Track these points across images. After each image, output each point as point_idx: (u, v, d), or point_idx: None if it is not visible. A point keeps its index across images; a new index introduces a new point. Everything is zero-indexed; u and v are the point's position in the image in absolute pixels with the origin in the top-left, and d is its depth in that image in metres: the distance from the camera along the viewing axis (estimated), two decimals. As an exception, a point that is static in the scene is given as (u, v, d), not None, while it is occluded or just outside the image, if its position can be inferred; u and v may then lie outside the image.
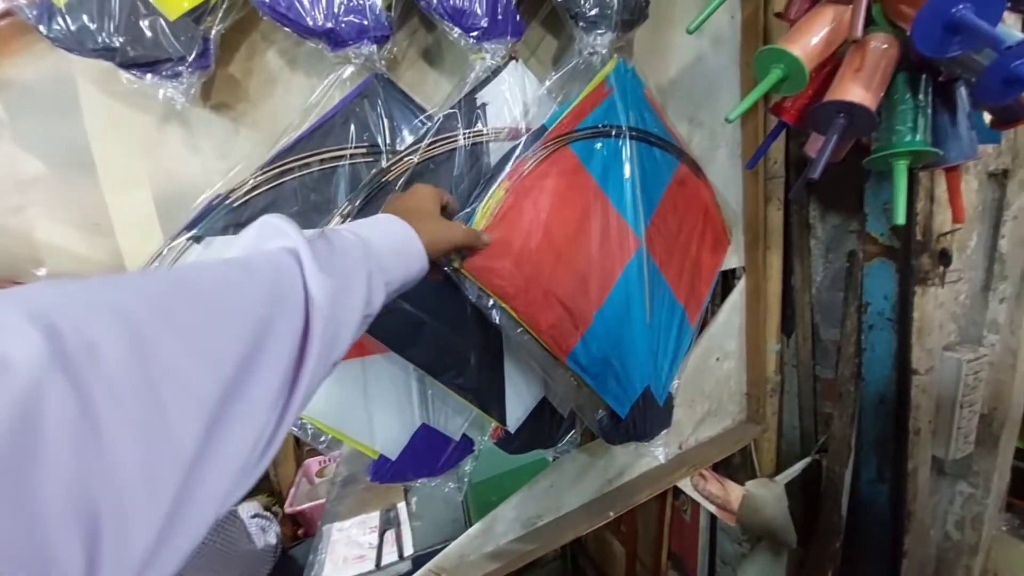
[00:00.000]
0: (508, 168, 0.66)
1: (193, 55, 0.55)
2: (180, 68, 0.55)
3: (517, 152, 0.67)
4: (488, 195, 0.64)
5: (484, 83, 0.67)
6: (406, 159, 0.62)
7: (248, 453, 0.27)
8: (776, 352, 1.15)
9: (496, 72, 0.68)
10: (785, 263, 1.14)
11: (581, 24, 0.69)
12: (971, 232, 1.01)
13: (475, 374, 0.72)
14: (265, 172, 0.59)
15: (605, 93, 0.73)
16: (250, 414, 0.27)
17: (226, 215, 0.57)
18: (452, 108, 0.65)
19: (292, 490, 1.79)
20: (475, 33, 0.64)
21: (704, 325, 1.09)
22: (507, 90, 0.68)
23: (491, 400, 0.76)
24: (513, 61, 0.69)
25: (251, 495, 1.42)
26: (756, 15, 0.95)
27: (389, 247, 0.44)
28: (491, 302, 0.64)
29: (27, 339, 0.19)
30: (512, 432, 0.80)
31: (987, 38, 0.43)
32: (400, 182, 0.62)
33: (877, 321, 1.03)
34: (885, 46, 0.53)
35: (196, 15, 0.55)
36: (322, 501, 1.50)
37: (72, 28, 0.51)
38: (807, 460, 1.18)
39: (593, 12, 0.67)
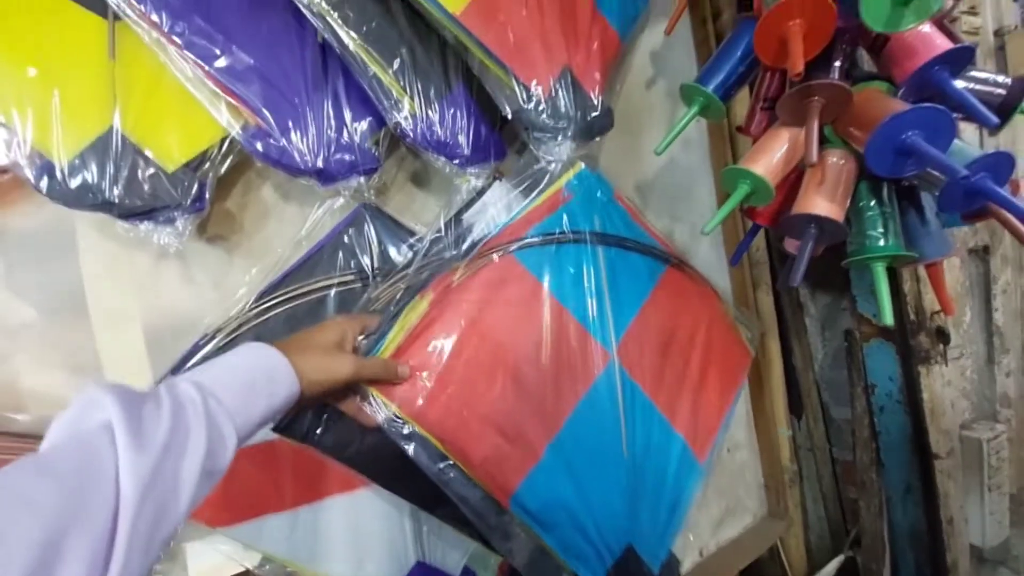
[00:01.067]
0: (431, 279, 0.62)
1: (189, 201, 0.57)
2: (175, 214, 0.57)
3: (445, 260, 0.64)
4: (407, 308, 0.59)
5: (469, 204, 0.69)
6: (396, 284, 0.63)
7: None
8: (788, 437, 1.10)
9: (480, 193, 0.70)
10: (783, 344, 1.13)
11: (535, 134, 0.68)
12: (963, 307, 1.02)
13: (474, 507, 0.62)
14: (253, 308, 0.59)
15: (563, 200, 0.70)
16: None
17: (213, 355, 0.57)
18: (438, 232, 0.67)
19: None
20: (458, 160, 0.67)
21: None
22: (492, 209, 0.70)
23: (494, 533, 0.63)
24: (497, 181, 0.72)
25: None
26: (720, 121, 1.03)
27: (239, 383, 0.43)
28: (407, 429, 0.56)
29: None
30: (519, 568, 0.66)
31: (939, 166, 0.46)
32: (391, 307, 0.62)
33: (887, 403, 1.00)
34: (842, 161, 0.56)
35: (194, 165, 0.59)
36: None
37: (71, 186, 0.54)
38: (841, 558, 1.09)
39: (547, 121, 0.66)
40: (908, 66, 0.51)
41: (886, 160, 0.49)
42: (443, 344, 0.59)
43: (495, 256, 0.65)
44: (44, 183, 0.53)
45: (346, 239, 0.65)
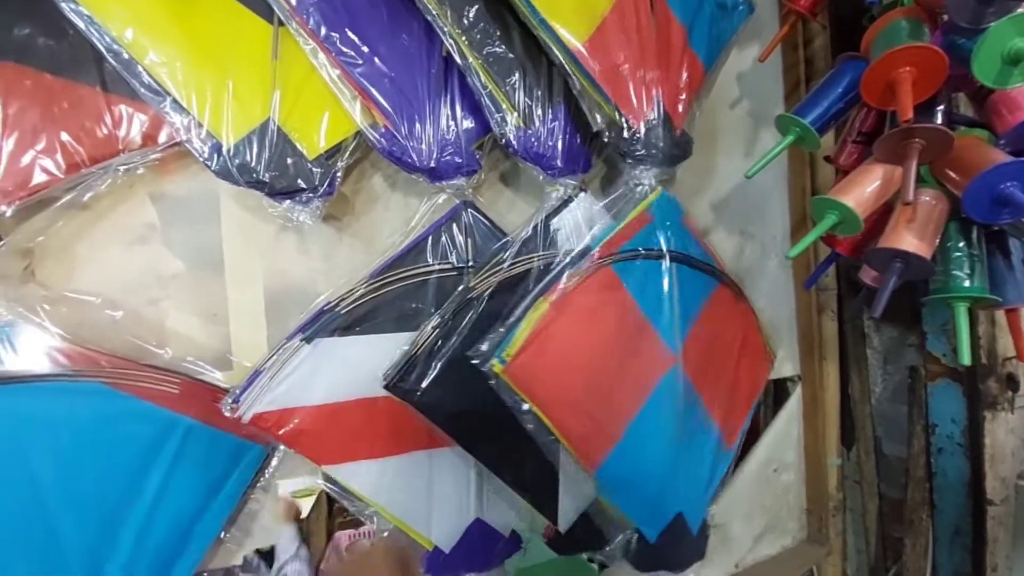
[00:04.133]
0: (551, 284, 0.72)
1: (324, 186, 0.66)
2: (311, 196, 0.66)
3: (560, 270, 0.74)
4: (533, 308, 0.70)
5: (556, 211, 0.76)
6: (489, 278, 0.70)
7: None
8: (837, 467, 1.11)
9: (567, 202, 0.77)
10: (842, 373, 1.13)
11: (628, 160, 0.78)
12: (1040, 357, 0.99)
13: (534, 474, 0.75)
14: (370, 284, 0.68)
15: (648, 219, 0.81)
16: None
17: (334, 319, 0.66)
18: (529, 234, 0.74)
19: (322, 564, 1.75)
20: (551, 171, 0.73)
21: (758, 434, 1.07)
22: (576, 217, 0.77)
23: (545, 499, 0.78)
24: (582, 192, 0.79)
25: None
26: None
27: None
28: (526, 407, 0.68)
29: None
30: (563, 532, 0.80)
31: (1035, 216, 0.47)
32: (484, 297, 0.70)
33: (947, 445, 0.99)
34: (935, 202, 0.58)
35: (330, 154, 0.67)
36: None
37: (234, 165, 0.63)
38: (877, 591, 1.09)
39: (640, 152, 0.76)
40: (1011, 119, 0.53)
41: (983, 207, 0.51)
42: (558, 341, 0.71)
43: (598, 266, 0.75)
44: (213, 161, 0.62)
45: (446, 232, 0.73)
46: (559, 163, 0.73)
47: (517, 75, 0.70)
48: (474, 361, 0.70)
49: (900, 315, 1.11)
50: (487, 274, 0.71)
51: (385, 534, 0.79)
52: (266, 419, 0.66)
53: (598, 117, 0.74)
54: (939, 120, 0.56)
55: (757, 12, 0.95)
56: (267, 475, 0.76)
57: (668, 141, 0.78)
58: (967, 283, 0.57)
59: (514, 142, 0.70)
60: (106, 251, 0.71)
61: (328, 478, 0.73)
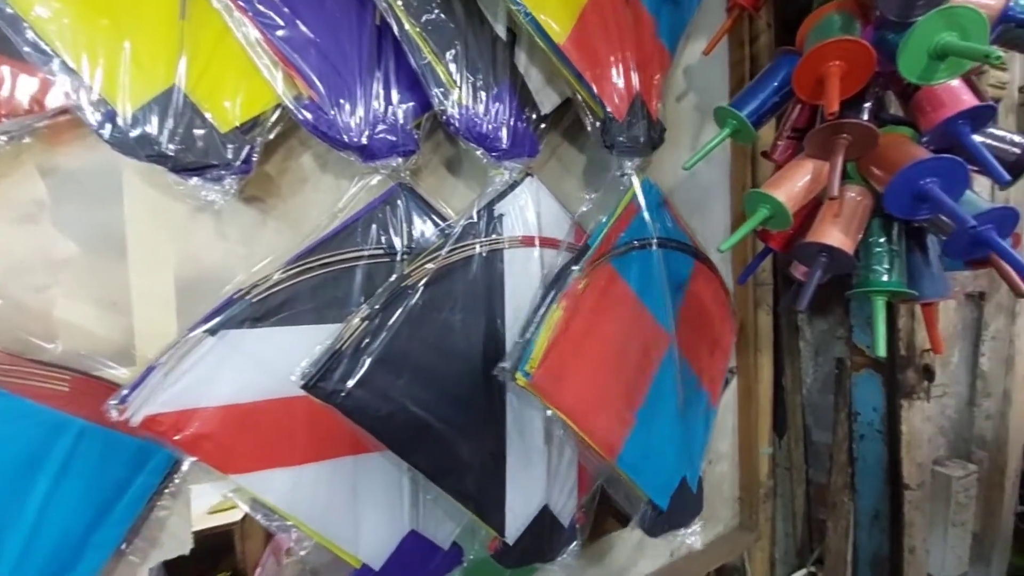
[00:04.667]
0: (560, 289, 0.73)
1: (238, 162, 0.60)
2: (223, 172, 0.60)
3: (562, 273, 0.75)
4: (549, 313, 0.70)
5: (501, 196, 0.73)
6: (425, 265, 0.66)
7: None
8: (768, 455, 1.15)
9: (513, 186, 0.74)
10: (776, 364, 1.17)
11: (614, 152, 0.78)
12: (952, 349, 1.06)
13: (477, 480, 0.72)
14: (287, 271, 0.62)
15: (635, 209, 0.83)
16: None
17: (244, 309, 0.60)
18: (470, 218, 0.70)
19: (258, 570, 1.67)
20: (496, 153, 0.70)
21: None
22: (523, 203, 0.74)
23: (491, 508, 0.74)
24: (529, 177, 0.76)
25: (213, 572, 1.34)
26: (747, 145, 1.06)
27: None
28: (549, 412, 0.70)
29: None
30: (511, 543, 0.77)
31: (951, 214, 0.49)
32: (420, 286, 0.66)
33: (867, 431, 1.04)
34: (860, 197, 0.60)
35: (247, 128, 0.61)
36: (290, 586, 1.40)
37: (131, 136, 0.56)
38: (802, 572, 1.14)
39: (626, 143, 0.77)
40: (934, 116, 0.54)
41: (903, 202, 0.52)
42: (573, 344, 0.71)
43: (600, 264, 0.77)
44: (107, 130, 0.56)
45: (380, 215, 0.68)
46: (504, 145, 0.70)
47: (458, 47, 0.66)
48: (497, 376, 0.70)
49: (831, 309, 1.16)
50: (423, 261, 0.67)
51: (303, 552, 0.73)
52: (160, 422, 0.59)
53: (586, 117, 0.75)
54: (866, 117, 0.57)
55: (705, 3, 0.96)
56: (176, 480, 0.70)
57: (647, 129, 0.79)
58: (885, 277, 0.59)
59: (456, 121, 0.66)
60: (-17, 229, 0.63)
61: (238, 489, 0.66)
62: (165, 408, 0.60)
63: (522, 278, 0.75)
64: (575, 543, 0.87)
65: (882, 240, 0.61)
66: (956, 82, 0.56)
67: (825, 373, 1.21)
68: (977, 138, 0.55)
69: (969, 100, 0.54)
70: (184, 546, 0.71)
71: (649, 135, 0.79)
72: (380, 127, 0.65)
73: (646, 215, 0.82)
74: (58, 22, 0.55)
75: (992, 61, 0.45)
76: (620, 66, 0.76)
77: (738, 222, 1.12)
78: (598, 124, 0.74)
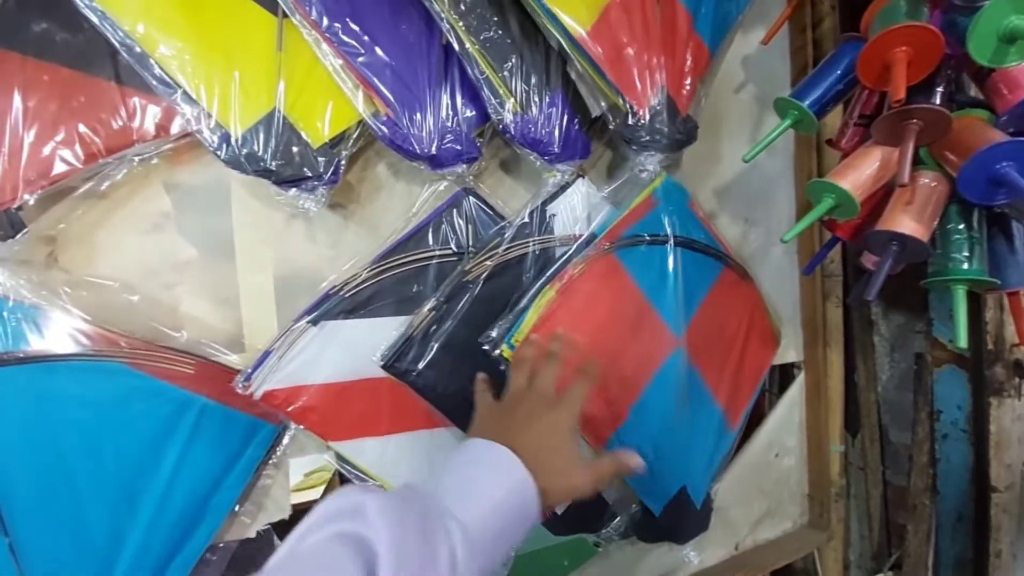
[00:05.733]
0: (558, 272, 0.75)
1: (329, 174, 0.68)
2: (316, 183, 0.68)
3: (567, 257, 0.76)
4: (540, 295, 0.73)
5: (553, 197, 0.78)
6: (484, 262, 0.72)
7: None
8: (840, 453, 1.11)
9: (564, 187, 0.78)
10: (848, 360, 1.13)
11: (632, 147, 0.79)
12: (1050, 343, 0.98)
13: None
14: (372, 270, 0.70)
15: (652, 204, 0.82)
16: None
17: (338, 303, 0.69)
18: (525, 219, 0.75)
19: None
20: (548, 157, 0.74)
21: (761, 418, 1.08)
22: (573, 203, 0.79)
23: None
24: (580, 178, 0.80)
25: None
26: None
27: (496, 530, 0.38)
28: None
29: None
30: (559, 513, 0.82)
31: (1028, 195, 0.47)
32: (480, 280, 0.72)
33: (951, 431, 0.99)
34: (934, 183, 0.58)
35: (334, 142, 0.69)
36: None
37: (242, 154, 0.65)
38: (879, 576, 1.10)
39: (645, 138, 0.77)
40: (1011, 98, 0.52)
41: (978, 188, 0.51)
42: (563, 327, 0.73)
43: (602, 253, 0.78)
44: (222, 150, 0.65)
45: (447, 218, 0.75)
46: (556, 149, 0.74)
47: (514, 60, 0.70)
48: (484, 347, 0.73)
49: (910, 303, 1.10)
50: (483, 258, 0.73)
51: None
52: (276, 396, 0.69)
53: (602, 103, 0.75)
54: (938, 101, 0.56)
55: (763, -7, 0.94)
56: (279, 453, 0.80)
57: (672, 126, 0.78)
58: (965, 265, 0.57)
59: (511, 128, 0.71)
60: (124, 238, 0.74)
61: (337, 455, 0.76)
62: (279, 385, 0.70)
63: None
64: (619, 519, 0.90)
65: (961, 227, 0.59)
66: (1037, 61, 0.53)
67: (902, 370, 1.15)
68: (1063, 118, 0.53)
69: (1052, 79, 0.52)
70: (284, 511, 0.81)
71: (674, 131, 0.78)
72: (447, 137, 0.71)
73: (663, 211, 0.81)
74: (180, 59, 0.65)
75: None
76: (645, 59, 0.75)
77: (803, 213, 1.09)
78: (617, 119, 0.75)
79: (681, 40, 0.80)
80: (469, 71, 0.69)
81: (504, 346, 0.70)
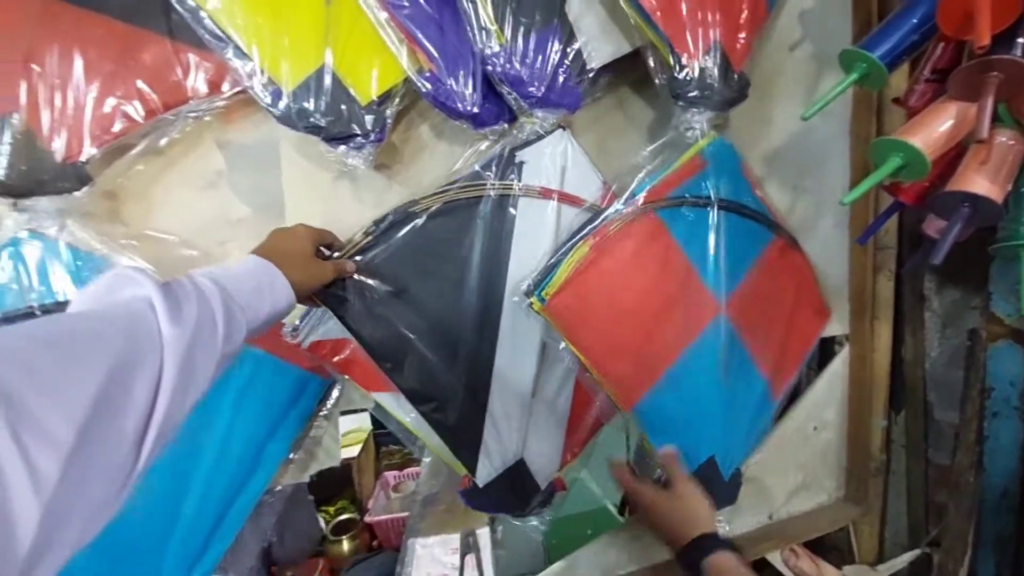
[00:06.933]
0: (594, 227, 0.73)
1: (376, 132, 0.68)
2: (364, 141, 0.68)
3: (605, 214, 0.73)
4: (574, 249, 0.71)
5: (527, 144, 0.74)
6: (438, 195, 0.71)
7: (106, 488, 0.31)
8: (883, 428, 1.09)
9: (540, 136, 0.74)
10: (895, 335, 1.09)
11: (680, 103, 0.73)
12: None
13: (456, 414, 0.75)
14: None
15: (700, 165, 0.77)
16: (105, 454, 0.31)
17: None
18: (489, 160, 0.73)
19: (371, 501, 1.90)
20: (528, 100, 0.70)
21: (799, 392, 1.06)
22: (548, 154, 0.75)
23: (466, 446, 0.77)
24: (560, 129, 0.75)
25: (337, 499, 1.55)
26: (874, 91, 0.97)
27: (249, 288, 0.49)
28: (563, 345, 0.72)
29: None
30: (480, 486, 0.80)
31: None
32: (425, 214, 0.72)
33: (1002, 408, 0.95)
34: (1012, 142, 0.54)
35: (381, 100, 0.69)
36: (396, 515, 1.59)
37: (293, 111, 0.66)
38: (916, 552, 1.09)
39: (693, 93, 0.71)
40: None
41: (1063, 145, 0.47)
42: (598, 283, 0.72)
43: (642, 212, 0.75)
44: (276, 107, 0.66)
45: (486, 172, 0.75)
46: (539, 92, 0.69)
47: None
48: (514, 299, 0.72)
49: (967, 276, 1.05)
50: (436, 193, 0.72)
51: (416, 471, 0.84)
52: (322, 346, 0.72)
53: (656, 65, 0.71)
54: (1020, 53, 0.52)
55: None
56: (329, 405, 0.83)
57: (724, 83, 0.73)
58: (1040, 230, 0.54)
59: (492, 60, 0.67)
60: (180, 194, 0.77)
61: (376, 404, 0.79)
62: (324, 336, 0.72)
63: (534, 228, 0.75)
64: (548, 507, 0.87)
65: (1037, 189, 0.55)
66: None
67: (954, 347, 1.10)
68: None
69: None
70: (335, 459, 0.86)
71: (725, 88, 0.72)
72: (489, 97, 0.70)
73: (711, 174, 0.77)
74: (230, 11, 0.65)
75: None
76: (698, 12, 0.70)
77: (859, 178, 1.03)
78: (664, 73, 0.70)
79: None
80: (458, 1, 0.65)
81: (534, 298, 0.69)
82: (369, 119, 0.68)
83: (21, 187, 0.65)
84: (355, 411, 0.88)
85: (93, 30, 0.66)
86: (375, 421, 1.67)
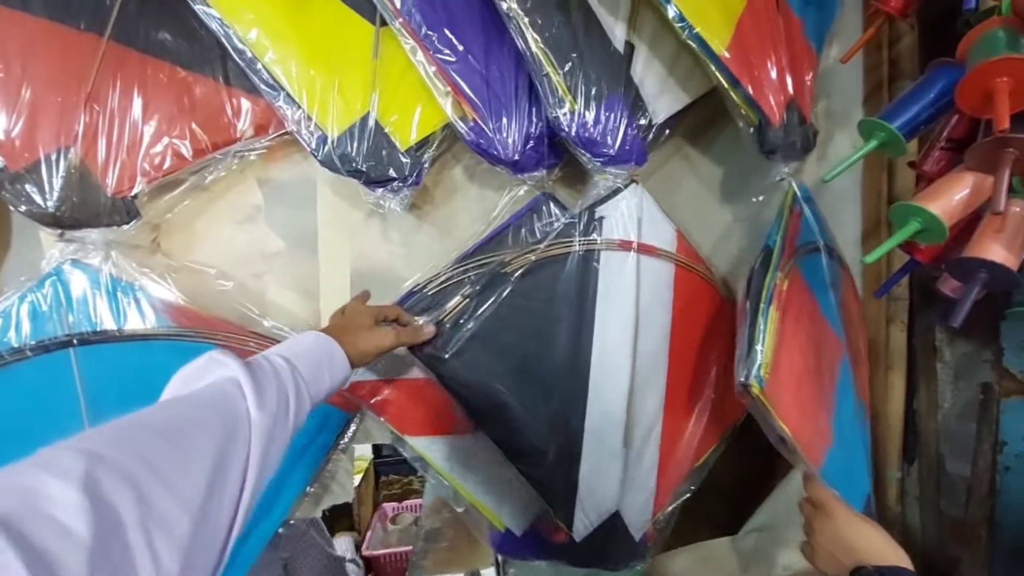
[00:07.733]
0: (770, 292, 0.68)
1: (413, 176, 0.71)
2: (401, 184, 0.71)
3: (760, 275, 0.71)
4: (768, 319, 0.65)
5: (604, 200, 0.77)
6: (527, 255, 0.73)
7: (204, 572, 0.33)
8: (897, 480, 1.08)
9: (616, 191, 0.77)
10: (908, 386, 1.10)
11: (769, 157, 0.77)
12: None
13: (550, 469, 0.75)
14: (454, 269, 0.73)
15: (798, 213, 0.80)
16: (210, 537, 0.33)
17: (421, 300, 0.72)
18: (572, 218, 0.76)
19: (369, 533, 1.86)
20: (601, 159, 0.73)
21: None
22: (624, 208, 0.77)
23: (561, 499, 0.77)
24: (633, 183, 0.78)
25: (341, 530, 1.53)
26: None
27: (312, 363, 0.53)
28: (778, 426, 0.64)
29: (76, 508, 0.26)
30: (577, 540, 0.79)
31: None
32: (517, 274, 0.73)
33: (1014, 464, 0.95)
34: (1027, 213, 0.57)
35: (419, 146, 0.72)
36: (394, 550, 1.57)
37: (336, 155, 0.69)
38: (930, 609, 1.06)
39: (781, 148, 0.75)
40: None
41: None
42: (785, 349, 0.68)
43: (792, 266, 0.75)
44: (319, 151, 0.69)
45: (527, 222, 0.76)
46: (611, 151, 0.72)
47: (575, 59, 0.70)
48: (741, 379, 0.64)
49: (977, 330, 1.07)
50: (525, 252, 0.74)
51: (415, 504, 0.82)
52: (361, 387, 0.73)
53: (740, 121, 0.75)
54: (1037, 131, 0.55)
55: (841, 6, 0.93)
56: (346, 439, 0.84)
57: (802, 132, 0.77)
58: (1056, 297, 0.56)
59: (566, 126, 0.70)
60: (220, 228, 0.80)
61: (411, 447, 0.78)
62: (365, 377, 0.74)
63: (616, 279, 0.77)
64: (642, 563, 0.86)
65: (1052, 258, 0.58)
66: None
67: (966, 399, 1.11)
68: None
69: None
70: (348, 495, 0.85)
71: (804, 138, 0.77)
72: (530, 144, 0.73)
73: (810, 218, 0.80)
74: (285, 63, 0.70)
75: None
76: (775, 71, 0.74)
77: (870, 234, 1.07)
78: (752, 130, 0.74)
79: (799, 47, 0.79)
80: (530, 69, 0.69)
81: (753, 383, 0.62)
82: (407, 163, 0.71)
83: (72, 219, 0.68)
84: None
85: (154, 74, 0.70)
86: (376, 449, 1.66)
